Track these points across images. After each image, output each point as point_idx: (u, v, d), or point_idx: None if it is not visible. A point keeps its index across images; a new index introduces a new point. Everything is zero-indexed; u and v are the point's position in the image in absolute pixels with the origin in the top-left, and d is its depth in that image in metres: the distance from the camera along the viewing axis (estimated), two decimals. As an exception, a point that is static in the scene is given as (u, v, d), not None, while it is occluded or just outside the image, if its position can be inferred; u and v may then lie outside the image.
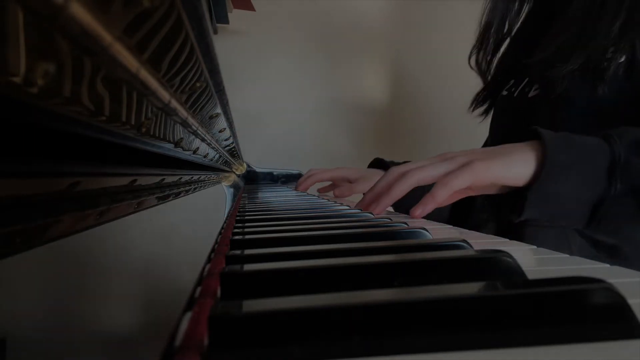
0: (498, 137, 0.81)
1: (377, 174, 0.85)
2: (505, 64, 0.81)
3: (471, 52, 0.85)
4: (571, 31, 0.61)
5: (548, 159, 0.43)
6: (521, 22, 0.80)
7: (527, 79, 0.73)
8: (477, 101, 0.86)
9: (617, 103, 0.59)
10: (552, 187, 0.43)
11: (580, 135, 0.46)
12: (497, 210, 0.53)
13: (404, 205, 0.73)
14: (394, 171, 0.54)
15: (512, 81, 0.77)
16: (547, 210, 0.45)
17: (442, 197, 0.44)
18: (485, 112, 0.86)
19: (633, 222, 0.42)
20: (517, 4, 0.78)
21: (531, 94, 0.71)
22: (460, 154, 0.48)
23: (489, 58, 0.82)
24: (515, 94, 0.75)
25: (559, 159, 0.43)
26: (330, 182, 1.00)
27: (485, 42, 0.81)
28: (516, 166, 0.45)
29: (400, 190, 0.50)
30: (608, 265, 0.28)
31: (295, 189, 1.02)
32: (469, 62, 0.85)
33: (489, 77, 0.83)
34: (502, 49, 0.82)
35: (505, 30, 0.80)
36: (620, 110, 0.59)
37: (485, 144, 0.90)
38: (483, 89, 0.84)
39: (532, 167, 0.45)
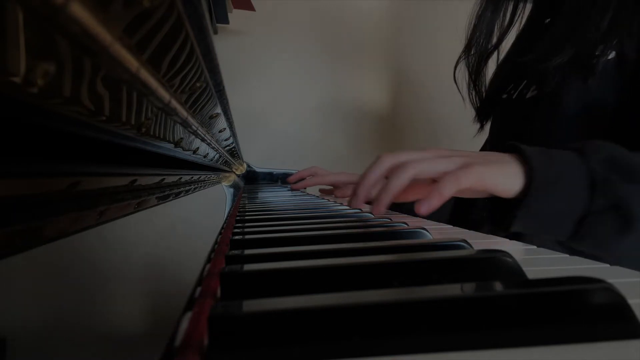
0: (497, 139, 0.81)
1: None
2: (505, 70, 0.81)
3: (457, 62, 0.85)
4: (564, 27, 0.63)
5: (536, 175, 0.43)
6: (519, 32, 0.81)
7: (525, 82, 0.73)
8: (481, 115, 0.86)
9: (608, 102, 0.61)
10: (540, 204, 0.43)
11: (556, 149, 0.46)
12: (490, 217, 0.52)
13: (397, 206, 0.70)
14: (387, 160, 0.47)
15: (512, 85, 0.77)
16: (533, 225, 0.45)
17: (450, 194, 0.41)
18: (484, 120, 0.86)
19: (617, 237, 0.42)
20: (502, 14, 0.80)
21: (529, 95, 0.71)
22: (456, 154, 0.46)
23: (477, 68, 0.83)
24: (514, 97, 0.75)
25: (545, 175, 0.43)
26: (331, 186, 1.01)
27: (472, 47, 0.82)
28: (509, 178, 0.44)
29: (400, 185, 0.44)
30: (608, 265, 0.28)
31: (291, 180, 1.01)
32: (454, 76, 0.85)
33: (484, 91, 0.84)
34: (501, 59, 0.83)
35: (493, 40, 0.81)
36: (610, 109, 0.61)
37: (484, 147, 0.90)
38: (484, 101, 0.84)
39: (521, 181, 0.44)
